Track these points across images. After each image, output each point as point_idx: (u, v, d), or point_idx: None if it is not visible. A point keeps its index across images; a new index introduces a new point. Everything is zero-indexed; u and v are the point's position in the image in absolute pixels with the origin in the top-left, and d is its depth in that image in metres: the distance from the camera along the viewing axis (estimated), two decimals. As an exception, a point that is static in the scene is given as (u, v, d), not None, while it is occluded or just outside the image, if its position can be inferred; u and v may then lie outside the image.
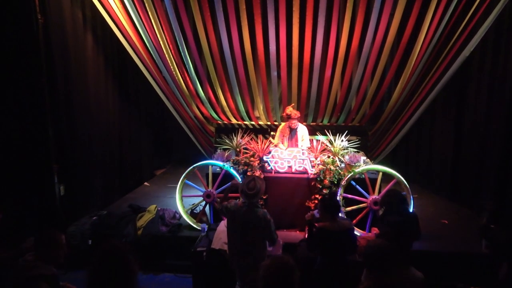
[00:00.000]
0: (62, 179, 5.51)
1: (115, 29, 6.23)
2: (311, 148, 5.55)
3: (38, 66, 5.11)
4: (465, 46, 5.80)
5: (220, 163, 5.34)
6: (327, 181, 5.10)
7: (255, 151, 5.41)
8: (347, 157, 5.29)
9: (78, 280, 2.74)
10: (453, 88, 6.60)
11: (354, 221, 4.93)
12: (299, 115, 5.87)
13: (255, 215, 3.58)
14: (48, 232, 2.82)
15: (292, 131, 5.96)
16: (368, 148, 7.70)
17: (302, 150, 5.42)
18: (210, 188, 5.37)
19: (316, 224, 3.79)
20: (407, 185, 5.06)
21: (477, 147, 6.16)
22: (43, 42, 5.12)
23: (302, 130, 6.01)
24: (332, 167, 5.15)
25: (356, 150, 5.55)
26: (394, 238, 3.14)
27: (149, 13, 5.93)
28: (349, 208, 5.09)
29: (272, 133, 6.85)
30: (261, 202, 5.24)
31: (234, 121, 8.13)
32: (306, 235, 4.04)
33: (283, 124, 6.16)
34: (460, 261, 4.65)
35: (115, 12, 5.99)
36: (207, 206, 5.43)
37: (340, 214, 4.95)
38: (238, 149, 5.67)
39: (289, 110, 5.83)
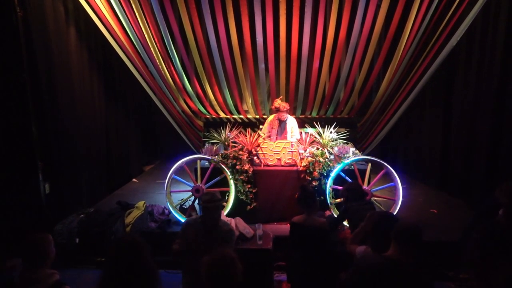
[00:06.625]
0: (47, 177, 5.39)
1: (98, 22, 6.09)
2: (300, 140, 5.53)
3: (19, 61, 4.97)
4: (452, 35, 5.80)
5: (209, 157, 5.29)
6: (316, 173, 5.08)
7: (243, 144, 5.37)
8: (336, 148, 5.29)
9: (66, 279, 2.67)
10: (441, 77, 6.61)
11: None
12: (288, 107, 5.84)
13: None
14: (36, 237, 2.60)
15: (282, 123, 5.93)
16: (357, 140, 7.70)
17: (291, 142, 5.38)
18: (199, 183, 5.32)
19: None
20: (396, 175, 5.06)
21: (466, 136, 6.19)
22: (23, 37, 4.97)
23: (291, 122, 5.98)
24: (321, 159, 5.13)
25: (345, 141, 5.54)
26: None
27: (133, 5, 5.81)
28: (338, 200, 5.07)
29: (261, 126, 6.80)
30: (251, 196, 5.22)
31: (222, 115, 8.07)
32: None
33: (272, 116, 6.12)
34: (450, 250, 4.66)
35: (98, 5, 5.85)
36: (196, 201, 5.38)
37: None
38: (226, 143, 5.61)
39: (278, 103, 5.78)
